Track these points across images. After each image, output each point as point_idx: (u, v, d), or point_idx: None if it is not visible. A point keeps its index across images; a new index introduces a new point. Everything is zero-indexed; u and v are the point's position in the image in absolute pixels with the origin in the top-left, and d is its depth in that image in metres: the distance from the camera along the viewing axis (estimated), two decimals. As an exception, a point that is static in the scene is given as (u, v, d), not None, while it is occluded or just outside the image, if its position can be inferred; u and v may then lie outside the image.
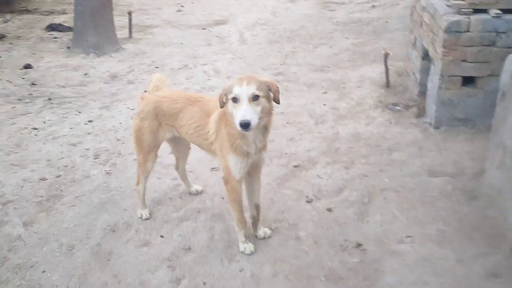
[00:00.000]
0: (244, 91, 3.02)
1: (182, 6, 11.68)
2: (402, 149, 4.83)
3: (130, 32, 9.31)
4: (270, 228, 3.86)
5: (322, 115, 5.77)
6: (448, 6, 4.89)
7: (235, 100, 3.06)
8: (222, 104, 3.23)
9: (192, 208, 4.23)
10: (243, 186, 3.64)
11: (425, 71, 5.66)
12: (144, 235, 3.93)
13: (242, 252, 3.61)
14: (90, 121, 6.07)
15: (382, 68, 6.86)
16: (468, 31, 4.64)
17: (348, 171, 4.58)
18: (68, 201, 4.45)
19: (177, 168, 4.37)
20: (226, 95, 3.16)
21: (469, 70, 4.75)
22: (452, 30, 4.64)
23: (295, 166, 4.77)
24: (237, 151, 3.31)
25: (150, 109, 3.79)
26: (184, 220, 4.07)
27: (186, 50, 8.56)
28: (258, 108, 3.06)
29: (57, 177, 4.86)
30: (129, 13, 9.18)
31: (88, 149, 5.40)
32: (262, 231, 3.78)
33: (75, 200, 4.45)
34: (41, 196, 4.54)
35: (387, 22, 9.23)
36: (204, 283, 3.36)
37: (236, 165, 3.36)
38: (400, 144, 4.92)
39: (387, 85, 6.25)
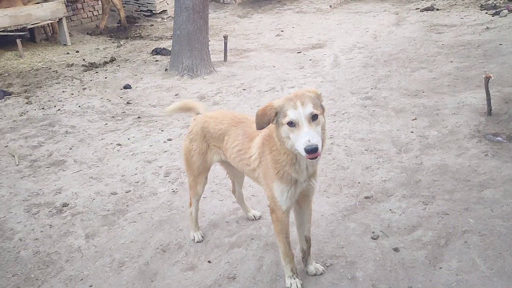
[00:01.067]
0: (302, 112, 2.68)
1: (282, 31, 11.69)
2: (496, 186, 4.12)
3: (225, 55, 9.46)
4: (324, 265, 3.46)
5: (406, 143, 5.21)
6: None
7: (292, 124, 2.70)
8: (265, 125, 2.85)
9: (246, 234, 3.97)
10: (294, 216, 3.31)
11: (535, 98, 4.88)
12: (192, 259, 3.76)
13: None
14: (169, 140, 6.14)
15: (484, 95, 6.12)
16: None
17: (427, 207, 4.00)
18: (131, 216, 4.45)
19: (233, 191, 4.15)
20: (277, 117, 2.80)
21: None
22: None
23: (366, 198, 4.30)
24: (284, 179, 2.97)
25: (198, 129, 3.62)
26: (236, 246, 3.83)
27: (276, 73, 8.45)
28: (319, 128, 2.73)
29: (127, 192, 4.92)
30: (225, 37, 9.35)
31: (161, 167, 5.43)
32: (314, 267, 3.39)
33: (138, 216, 4.44)
34: (108, 210, 4.60)
35: (501, 44, 8.30)
36: (242, 318, 3.07)
37: (282, 195, 3.02)
38: (495, 180, 4.21)
39: (489, 113, 5.49)
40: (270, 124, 2.87)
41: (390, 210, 4.05)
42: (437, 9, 12.33)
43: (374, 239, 3.69)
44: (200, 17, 8.63)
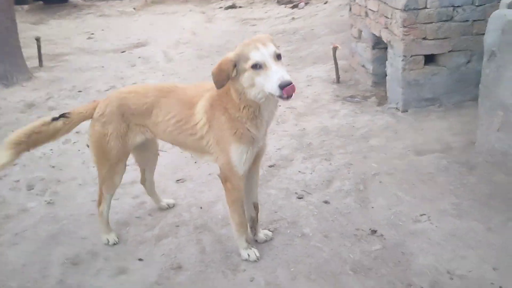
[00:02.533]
0: (266, 52, 2.49)
1: (93, 34, 10.89)
2: (377, 135, 4.56)
3: (40, 60, 8.35)
4: (268, 230, 3.32)
5: (280, 115, 5.38)
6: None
7: (257, 66, 2.49)
8: (225, 81, 2.60)
9: (168, 223, 3.58)
10: None
11: (378, 60, 5.55)
12: (116, 262, 3.21)
13: (246, 260, 3.03)
14: (14, 151, 5.15)
15: (325, 67, 6.74)
16: (426, 7, 4.56)
17: (331, 162, 4.20)
18: (7, 240, 3.58)
19: (143, 181, 3.69)
20: (236, 67, 2.56)
21: (430, 48, 4.66)
22: (410, 8, 4.53)
23: (270, 166, 4.30)
24: (243, 139, 2.75)
25: (113, 109, 3.06)
26: (163, 238, 3.41)
27: (109, 73, 7.82)
28: (285, 68, 2.55)
29: (-14, 215, 3.94)
30: (37, 40, 8.22)
31: (17, 181, 4.50)
32: (263, 233, 3.24)
33: (16, 237, 3.59)
34: (-31, 240, 3.62)
35: (313, 29, 9.21)
36: (212, 302, 2.74)
37: (241, 157, 2.78)
38: (374, 131, 4.66)
39: (338, 80, 6.06)
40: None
41: (300, 171, 4.12)
42: (240, 7, 13.07)
43: (300, 198, 3.71)
44: (6, 16, 7.46)
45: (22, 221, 3.85)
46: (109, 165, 3.18)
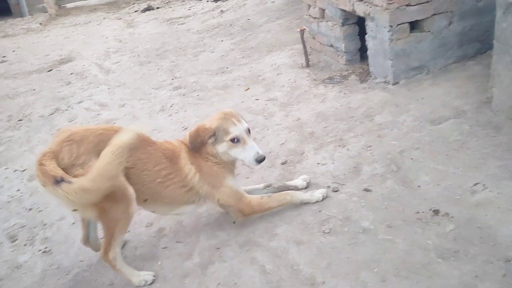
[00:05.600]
0: (241, 128, 3.04)
1: (4, 57, 9.75)
2: (379, 112, 4.37)
3: (-44, 94, 7.27)
4: (324, 233, 3.00)
5: (263, 110, 5.04)
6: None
7: (235, 140, 3.03)
8: (199, 146, 3.05)
9: (205, 247, 3.14)
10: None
11: (348, 37, 5.37)
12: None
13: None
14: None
15: (286, 54, 6.48)
16: (405, -30, 4.42)
17: (347, 148, 3.94)
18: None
19: (85, 240, 3.23)
20: (215, 135, 3.04)
21: (414, 14, 4.52)
22: (391, -24, 4.37)
23: (283, 164, 3.96)
24: (232, 173, 3.22)
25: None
26: (208, 264, 2.98)
27: (44, 95, 6.96)
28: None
29: (-31, 286, 3.23)
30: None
31: (-8, 234, 3.78)
32: (301, 179, 3.58)
33: (20, 303, 2.96)
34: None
35: (249, 19, 8.91)
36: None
37: (237, 184, 3.24)
38: (373, 108, 4.46)
39: (307, 64, 5.81)
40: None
41: (319, 163, 3.83)
42: (157, 8, 12.43)
43: (336, 191, 3.42)
44: None
45: (20, 281, 3.21)
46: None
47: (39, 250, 3.48)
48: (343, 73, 5.39)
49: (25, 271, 3.27)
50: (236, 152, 3.05)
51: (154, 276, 2.93)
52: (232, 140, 3.02)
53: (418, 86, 4.61)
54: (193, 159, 3.08)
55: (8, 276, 3.26)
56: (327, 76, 5.44)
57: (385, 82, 4.81)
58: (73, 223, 3.71)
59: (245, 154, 3.02)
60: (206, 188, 3.10)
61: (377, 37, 4.72)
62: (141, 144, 2.98)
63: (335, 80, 5.29)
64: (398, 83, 4.72)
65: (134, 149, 2.83)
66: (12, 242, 3.65)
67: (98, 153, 2.61)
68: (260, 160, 3.00)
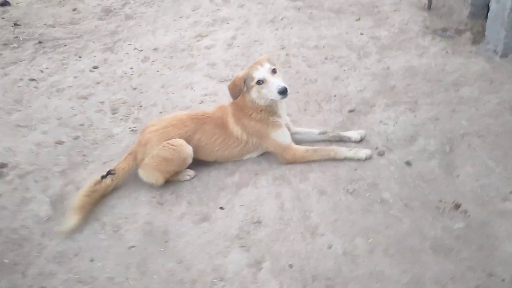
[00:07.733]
0: (264, 71, 3.45)
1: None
2: (470, 84, 4.24)
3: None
4: (347, 192, 3.33)
5: (362, 47, 5.09)
6: None
7: (260, 82, 3.44)
8: (239, 94, 3.52)
9: (248, 170, 3.66)
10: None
11: (481, -12, 4.97)
12: (199, 207, 3.37)
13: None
14: (95, 68, 5.28)
15: (416, -13, 6.13)
16: None
17: (415, 113, 4.00)
18: (96, 168, 3.81)
19: None
20: (246, 84, 3.50)
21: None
22: None
23: (350, 111, 4.17)
24: (274, 127, 3.61)
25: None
26: (243, 186, 3.52)
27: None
28: (280, 77, 3.53)
29: (75, 139, 4.19)
30: None
31: (102, 102, 4.68)
32: (356, 133, 3.81)
33: (104, 166, 3.80)
34: (63, 164, 3.88)
35: None
36: (291, 266, 2.86)
37: (283, 136, 3.63)
38: (466, 78, 4.33)
39: (429, 6, 5.54)
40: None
41: (381, 122, 3.98)
42: None
43: (381, 155, 3.63)
44: None
45: (108, 148, 4.05)
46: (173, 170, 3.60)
47: (129, 128, 4.27)
48: (460, 27, 5.10)
49: (114, 142, 4.11)
50: (264, 92, 3.45)
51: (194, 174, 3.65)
52: (258, 83, 3.44)
53: (526, 66, 4.31)
54: (238, 120, 3.62)
55: (102, 141, 4.13)
56: (442, 27, 5.19)
57: (494, 51, 4.53)
58: (160, 112, 4.41)
59: (269, 90, 3.42)
60: (255, 140, 3.65)
61: (501, 2, 4.36)
62: (197, 126, 3.63)
63: (448, 33, 5.05)
64: (506, 56, 4.43)
65: (193, 133, 3.60)
66: (112, 114, 4.49)
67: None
68: (281, 91, 3.35)
